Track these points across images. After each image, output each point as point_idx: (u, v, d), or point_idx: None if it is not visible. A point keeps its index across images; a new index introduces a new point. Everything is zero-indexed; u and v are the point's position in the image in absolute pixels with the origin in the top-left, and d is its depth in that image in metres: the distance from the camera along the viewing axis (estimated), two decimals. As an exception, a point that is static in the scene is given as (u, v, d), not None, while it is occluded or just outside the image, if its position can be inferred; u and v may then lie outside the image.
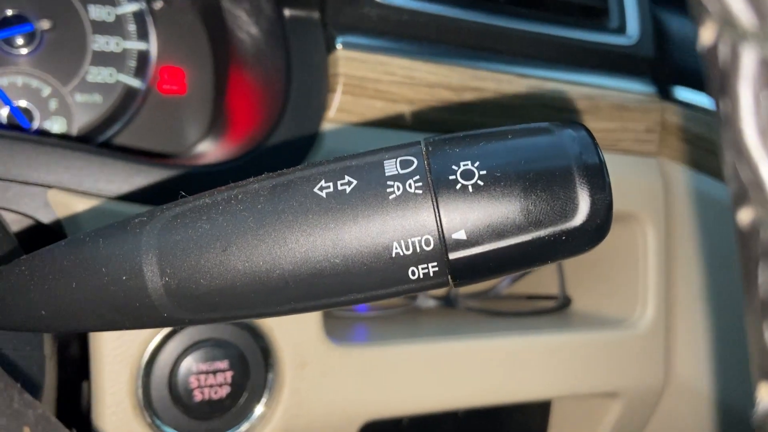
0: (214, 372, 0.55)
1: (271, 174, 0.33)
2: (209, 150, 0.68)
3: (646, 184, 0.72)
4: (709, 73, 0.15)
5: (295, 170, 0.32)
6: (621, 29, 0.74)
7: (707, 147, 0.71)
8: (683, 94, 0.74)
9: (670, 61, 0.76)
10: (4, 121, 0.65)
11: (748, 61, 0.14)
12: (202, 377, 0.54)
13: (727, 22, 0.14)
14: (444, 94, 0.65)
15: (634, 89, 0.73)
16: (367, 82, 0.62)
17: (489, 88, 0.66)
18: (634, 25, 0.74)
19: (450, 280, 0.31)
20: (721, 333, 0.70)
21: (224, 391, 0.55)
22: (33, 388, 0.39)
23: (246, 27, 0.66)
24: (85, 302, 0.32)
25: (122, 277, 0.31)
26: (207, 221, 0.31)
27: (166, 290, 0.31)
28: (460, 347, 0.64)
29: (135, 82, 0.69)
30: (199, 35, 0.71)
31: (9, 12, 0.64)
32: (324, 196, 0.31)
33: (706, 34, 0.15)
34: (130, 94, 0.69)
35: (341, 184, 0.31)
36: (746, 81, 0.14)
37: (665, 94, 0.75)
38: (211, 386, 0.55)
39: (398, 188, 0.30)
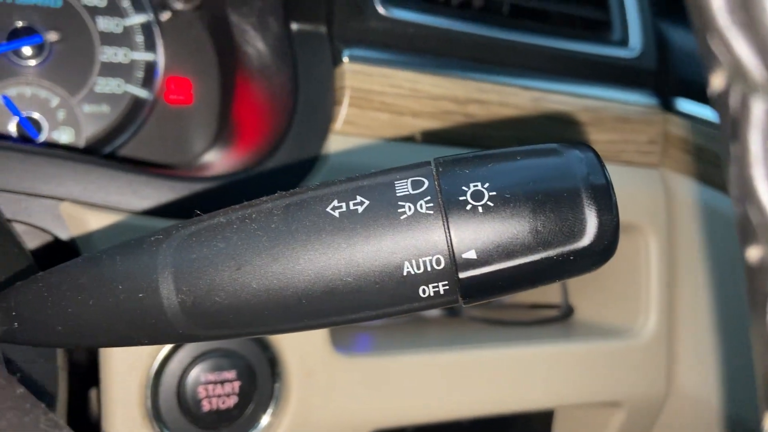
0: (222, 382, 0.55)
1: (284, 193, 0.33)
2: (216, 160, 0.69)
3: (648, 195, 0.73)
4: (719, 117, 0.16)
5: (308, 190, 0.33)
6: (623, 42, 0.75)
7: (709, 158, 0.72)
8: (685, 105, 0.75)
9: (673, 73, 0.76)
10: (14, 131, 0.65)
11: (758, 112, 0.15)
12: (210, 387, 0.55)
13: (738, 73, 0.15)
14: (448, 107, 0.65)
15: (636, 101, 0.74)
16: (373, 94, 0.62)
17: (493, 101, 0.67)
18: (637, 38, 0.75)
19: (460, 298, 0.32)
20: (723, 343, 0.71)
21: (232, 401, 0.55)
22: (47, 400, 0.39)
23: (253, 41, 0.66)
24: (102, 319, 0.33)
25: (138, 295, 0.32)
26: (222, 240, 0.32)
27: (182, 307, 0.32)
28: (465, 357, 0.65)
29: (142, 93, 0.70)
30: (206, 47, 0.72)
31: (19, 23, 0.65)
32: (337, 215, 0.31)
33: (717, 81, 0.15)
34: (137, 104, 0.70)
35: (353, 204, 0.32)
36: (756, 130, 0.15)
37: (667, 106, 0.75)
38: (218, 396, 0.55)
39: (409, 209, 0.31)
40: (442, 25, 0.66)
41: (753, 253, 0.15)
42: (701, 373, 0.72)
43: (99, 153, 0.68)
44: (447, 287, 0.31)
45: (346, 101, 0.62)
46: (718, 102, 0.16)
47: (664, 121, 0.75)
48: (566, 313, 0.79)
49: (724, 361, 0.70)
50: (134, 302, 0.32)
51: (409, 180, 0.32)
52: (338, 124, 0.62)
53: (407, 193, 0.31)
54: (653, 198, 0.73)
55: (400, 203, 0.31)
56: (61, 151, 0.55)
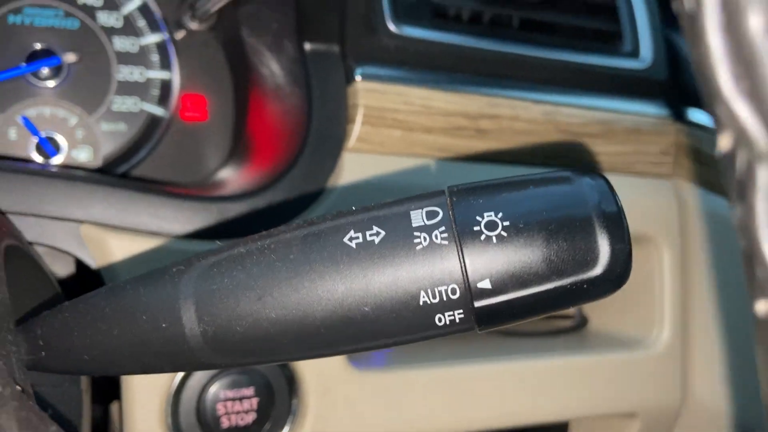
0: (241, 399, 0.56)
1: (302, 223, 0.34)
2: (231, 177, 0.70)
3: (661, 206, 0.73)
4: (726, 176, 0.16)
5: (326, 220, 0.34)
6: (634, 53, 0.75)
7: (722, 168, 0.72)
8: (697, 116, 0.75)
9: (684, 84, 0.77)
10: (33, 151, 0.67)
11: (764, 179, 0.15)
12: (229, 404, 0.56)
13: (743, 141, 0.15)
14: (460, 122, 0.66)
15: (648, 112, 0.74)
16: (386, 112, 0.63)
17: (505, 115, 0.68)
18: (648, 49, 0.75)
19: (475, 325, 0.32)
20: (737, 353, 0.71)
21: (250, 418, 0.56)
22: (71, 423, 0.40)
23: (267, 62, 0.67)
24: (126, 348, 0.33)
25: (162, 324, 0.33)
26: (242, 271, 0.33)
27: (204, 337, 0.33)
28: (479, 370, 0.65)
29: (158, 111, 0.71)
30: (221, 65, 0.73)
31: (38, 46, 0.66)
32: (354, 246, 0.32)
33: (724, 143, 0.16)
34: (153, 122, 0.71)
35: (370, 235, 0.32)
36: (762, 195, 0.15)
37: (679, 117, 0.75)
38: (237, 413, 0.56)
39: (425, 239, 0.32)
40: (453, 42, 0.67)
41: (761, 307, 0.16)
42: (716, 383, 0.72)
43: (116, 171, 0.69)
44: (462, 315, 0.32)
45: (359, 119, 0.62)
46: (725, 161, 0.16)
47: (676, 131, 0.75)
48: (580, 323, 0.79)
49: (739, 372, 0.70)
50: (157, 332, 0.33)
51: (424, 210, 0.33)
52: (351, 141, 0.63)
53: (422, 223, 0.32)
54: (666, 209, 0.73)
55: (415, 234, 0.32)
56: (80, 173, 0.56)
